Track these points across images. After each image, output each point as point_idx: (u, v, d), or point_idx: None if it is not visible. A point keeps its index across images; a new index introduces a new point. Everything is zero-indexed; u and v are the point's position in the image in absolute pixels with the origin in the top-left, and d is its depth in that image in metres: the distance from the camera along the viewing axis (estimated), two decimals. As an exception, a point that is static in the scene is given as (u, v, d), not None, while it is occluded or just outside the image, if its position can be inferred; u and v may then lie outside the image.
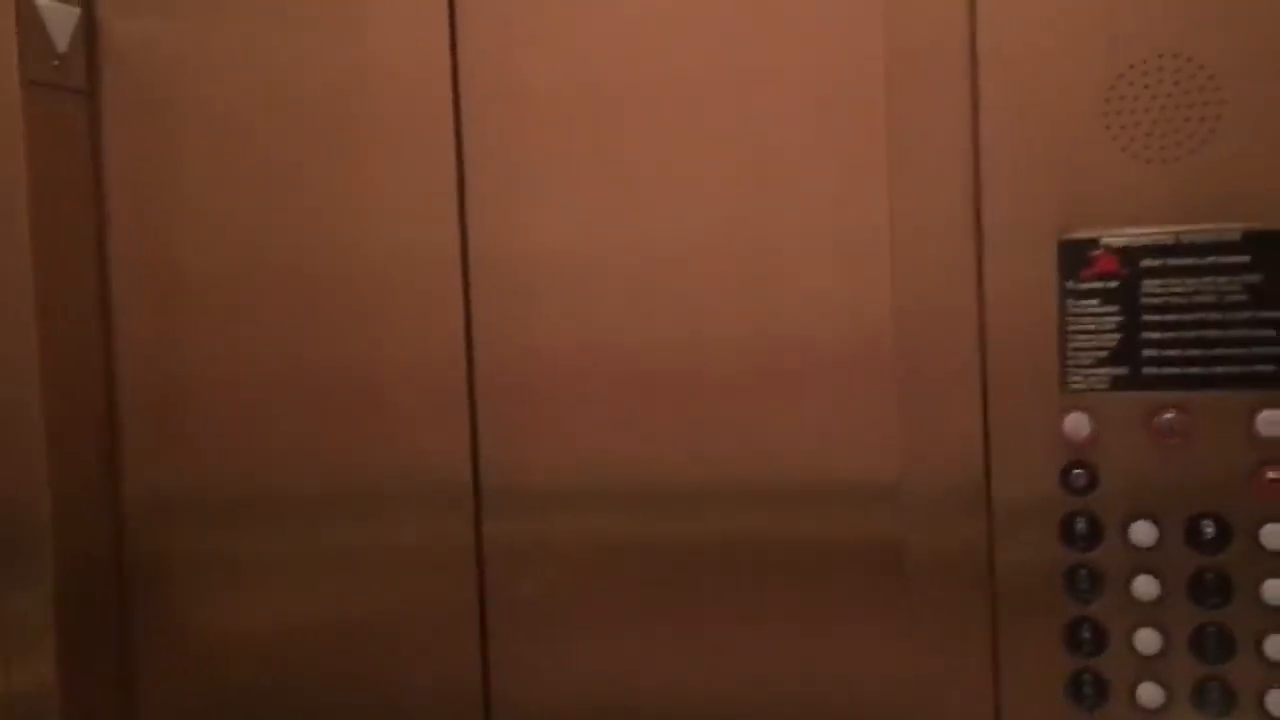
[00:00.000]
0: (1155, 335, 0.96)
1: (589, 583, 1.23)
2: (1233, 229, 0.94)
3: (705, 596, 1.19)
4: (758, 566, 1.18)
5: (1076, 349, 0.98)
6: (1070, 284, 0.98)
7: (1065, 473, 0.99)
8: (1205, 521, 0.95)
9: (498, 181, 1.23)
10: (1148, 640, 0.98)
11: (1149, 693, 0.98)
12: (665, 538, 1.20)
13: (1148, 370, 0.97)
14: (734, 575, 1.18)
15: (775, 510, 1.16)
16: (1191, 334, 0.95)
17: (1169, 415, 0.96)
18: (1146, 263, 0.96)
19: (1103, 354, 0.97)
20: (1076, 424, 0.99)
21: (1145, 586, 0.98)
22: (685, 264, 1.18)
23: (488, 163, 1.23)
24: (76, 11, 1.29)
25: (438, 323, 1.25)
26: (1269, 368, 0.93)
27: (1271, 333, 0.93)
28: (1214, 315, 0.95)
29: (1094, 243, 0.97)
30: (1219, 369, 0.95)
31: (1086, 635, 1.00)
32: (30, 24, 1.24)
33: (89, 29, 1.31)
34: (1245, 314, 0.94)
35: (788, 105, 1.13)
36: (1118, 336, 0.97)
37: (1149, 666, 0.99)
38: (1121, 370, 0.97)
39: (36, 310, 1.25)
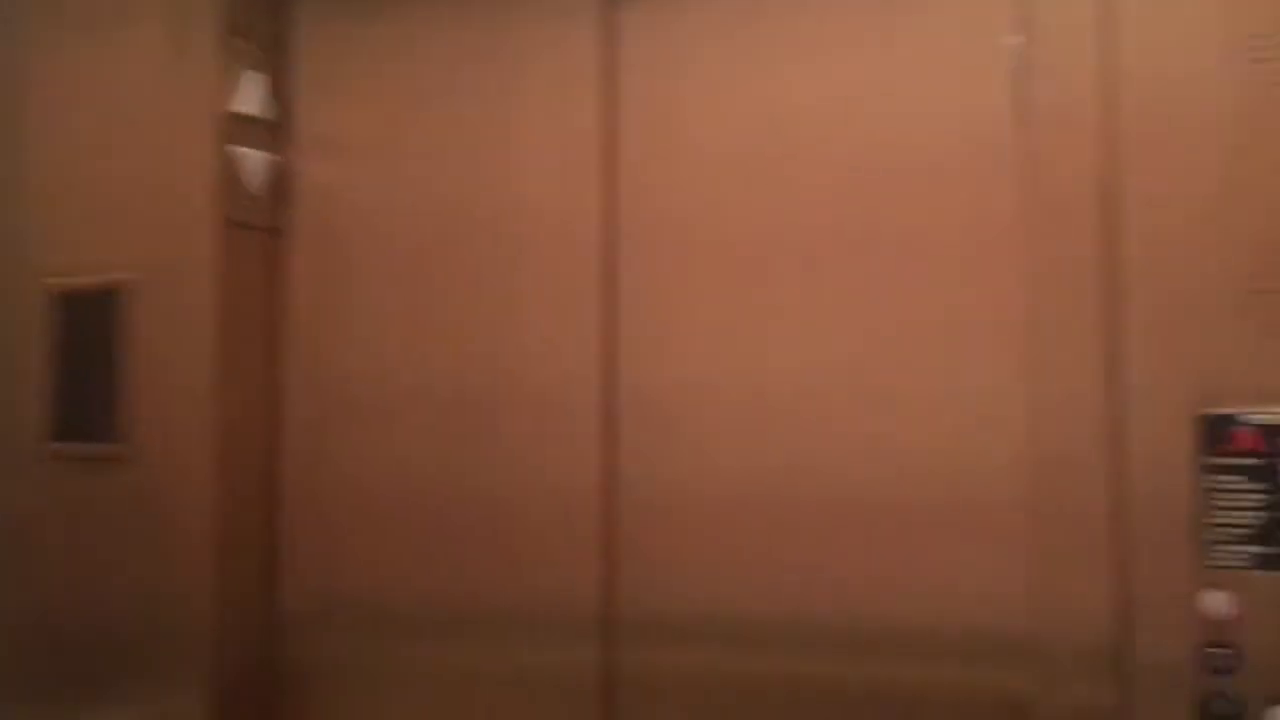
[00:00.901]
0: (1301, 516, 0.94)
1: (714, 715, 1.24)
2: (1382, 413, 0.92)
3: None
4: (886, 707, 1.17)
5: (1217, 525, 0.97)
6: (1209, 459, 0.97)
7: (1205, 651, 0.97)
8: (1355, 713, 0.92)
9: (645, 319, 1.29)
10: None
11: None
12: (794, 674, 1.21)
13: (1293, 551, 0.95)
14: (862, 715, 1.18)
15: (904, 654, 1.16)
16: (1340, 517, 0.93)
17: (1316, 599, 0.94)
18: (1291, 442, 0.95)
19: (1244, 531, 0.96)
20: (1216, 601, 0.97)
21: (1290, 777, 0.94)
22: (821, 408, 1.20)
23: (636, 301, 1.30)
24: (272, 157, 1.42)
25: (580, 452, 1.30)
26: None
27: None
28: (1363, 500, 0.93)
29: (1232, 419, 0.97)
30: (1369, 555, 0.92)
31: (1226, 824, 0.96)
32: (230, 170, 1.37)
33: (281, 173, 1.44)
34: (1397, 501, 0.92)
35: (926, 264, 1.17)
36: (1261, 514, 0.95)
37: None
38: (1265, 549, 0.95)
39: (214, 425, 1.35)
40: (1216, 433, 0.97)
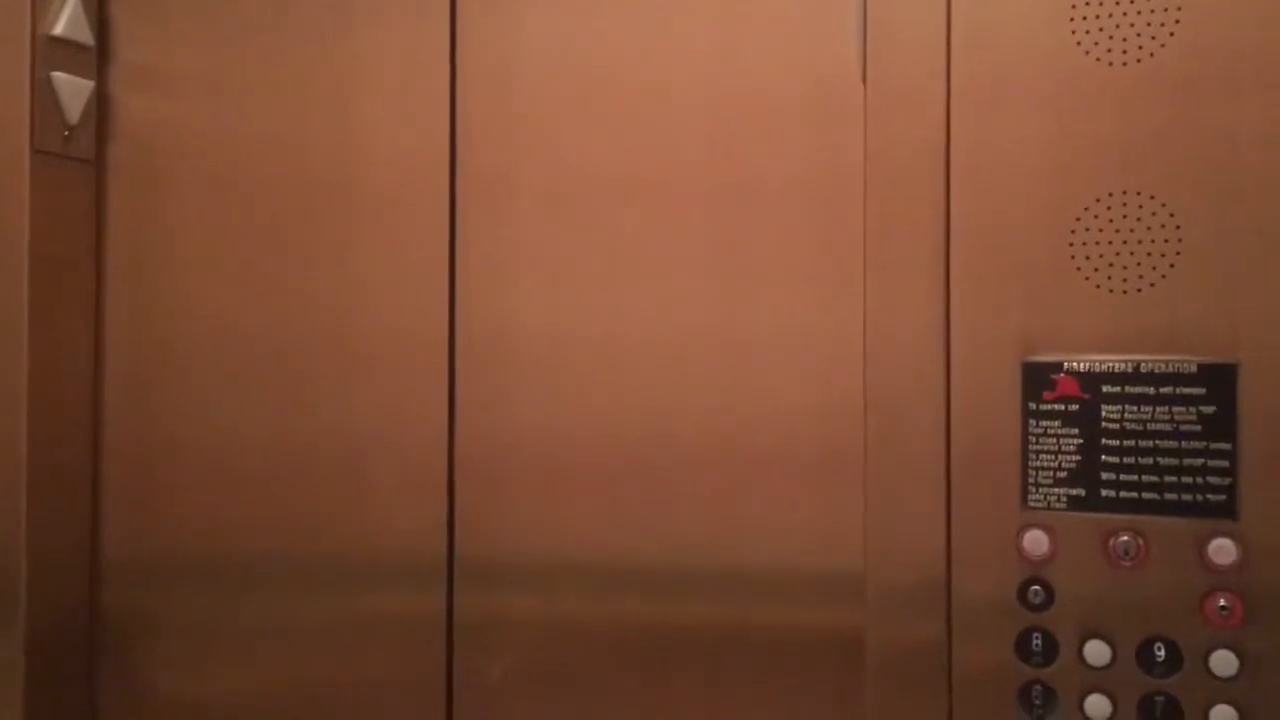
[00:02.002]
0: (1113, 459, 0.99)
1: (554, 660, 1.25)
2: (1189, 361, 0.97)
3: (669, 678, 1.21)
4: (722, 651, 1.20)
5: (1037, 468, 1.01)
6: (1032, 404, 1.01)
7: (1023, 588, 1.01)
8: (1157, 645, 0.97)
9: (486, 267, 1.27)
10: (1098, 759, 1.00)
11: (1098, 811, 1.00)
12: (632, 619, 1.22)
13: (1105, 493, 0.99)
14: (698, 659, 1.20)
15: (741, 596, 1.19)
16: (1148, 460, 0.98)
17: (1124, 538, 0.98)
18: (1107, 388, 0.99)
19: (1062, 474, 1.00)
20: (1035, 541, 1.01)
21: (1097, 706, 0.99)
22: (662, 354, 1.21)
23: (478, 248, 1.27)
24: (90, 85, 1.33)
25: (421, 399, 1.28)
26: (1220, 497, 0.96)
27: (1224, 463, 0.96)
28: (1169, 443, 0.97)
29: (1057, 366, 1.00)
30: (1173, 496, 0.97)
31: (1038, 750, 1.01)
32: (44, 96, 1.28)
33: (100, 103, 1.35)
34: (1199, 444, 0.97)
35: (769, 212, 1.18)
36: (1077, 458, 1.00)
37: (1099, 785, 1.00)
38: (1079, 491, 1.00)
39: (29, 371, 1.28)
40: (1040, 379, 1.01)
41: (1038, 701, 1.01)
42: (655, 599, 1.22)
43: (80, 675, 1.36)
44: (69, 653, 1.35)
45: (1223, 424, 0.96)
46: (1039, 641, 1.01)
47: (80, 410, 1.35)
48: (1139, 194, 0.98)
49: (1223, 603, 0.96)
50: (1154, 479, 0.98)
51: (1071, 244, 1.00)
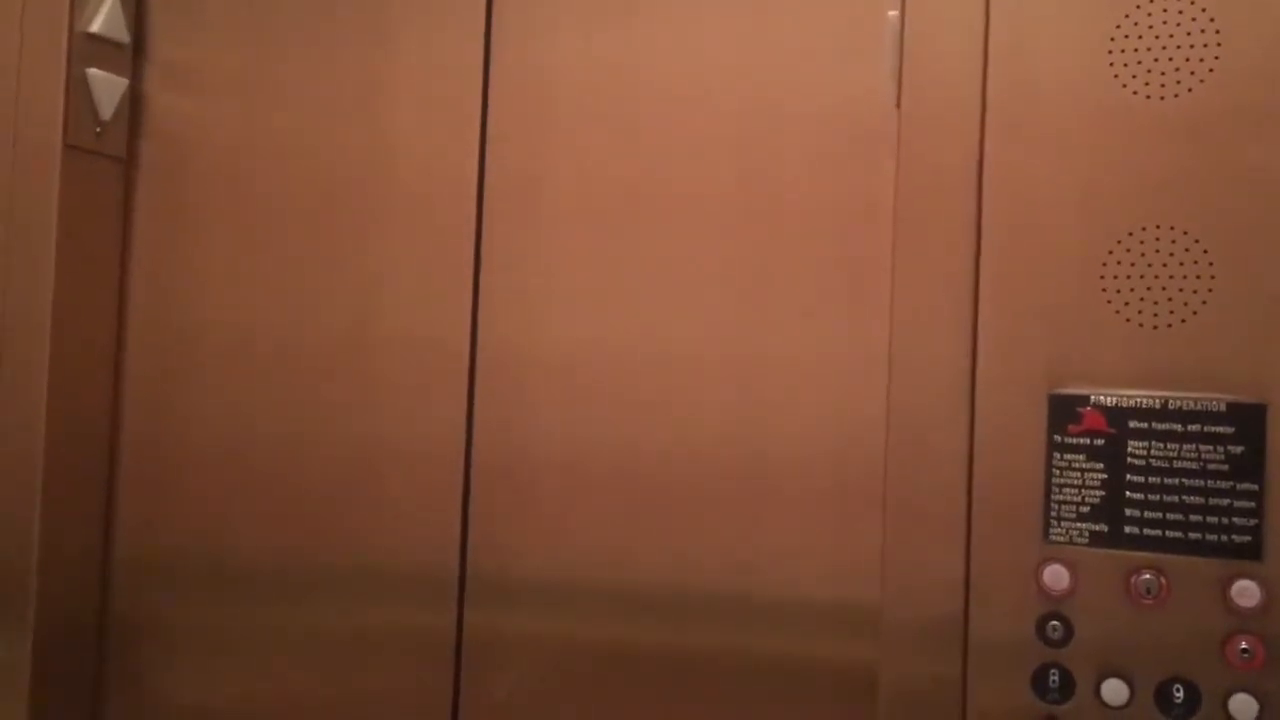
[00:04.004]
0: (1138, 496, 0.98)
1: (562, 681, 1.23)
2: (1218, 399, 0.96)
3: (678, 703, 1.20)
4: (732, 678, 1.18)
5: (1060, 501, 1.00)
6: (1058, 437, 1.00)
7: (1041, 623, 1.00)
8: (1176, 686, 0.96)
9: (511, 279, 1.27)
10: (1112, 801, 0.98)
11: None
12: (642, 641, 1.21)
13: (1129, 529, 0.98)
14: (708, 684, 1.19)
15: (753, 623, 1.18)
16: (1173, 498, 0.97)
17: (1146, 576, 0.97)
18: (1134, 424, 0.98)
19: (1085, 509, 0.99)
20: (1055, 576, 1.00)
21: (1113, 746, 0.98)
22: (683, 373, 1.20)
23: (503, 260, 1.27)
24: (124, 83, 1.34)
25: (440, 411, 1.28)
26: (1246, 538, 0.95)
27: (1250, 504, 0.95)
28: (1196, 482, 0.96)
29: (1084, 399, 0.99)
30: (1197, 535, 0.96)
31: (1052, 789, 1.00)
32: (78, 92, 1.29)
33: (133, 101, 1.36)
34: (1225, 484, 0.96)
35: (796, 232, 1.18)
36: (1101, 494, 0.99)
37: (1112, 827, 0.99)
38: (1102, 527, 0.99)
39: (50, 368, 1.28)
40: (1067, 412, 1.00)
41: (1053, 739, 1.00)
42: (667, 622, 1.20)
43: (87, 678, 1.35)
44: (77, 655, 1.34)
45: (1250, 464, 0.95)
46: (1056, 678, 0.99)
47: (99, 410, 1.35)
48: (1172, 229, 0.98)
49: (1244, 645, 0.94)
50: (1178, 517, 0.97)
51: (1102, 276, 0.99)
